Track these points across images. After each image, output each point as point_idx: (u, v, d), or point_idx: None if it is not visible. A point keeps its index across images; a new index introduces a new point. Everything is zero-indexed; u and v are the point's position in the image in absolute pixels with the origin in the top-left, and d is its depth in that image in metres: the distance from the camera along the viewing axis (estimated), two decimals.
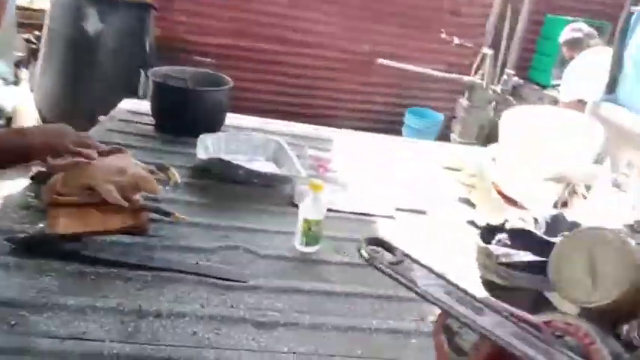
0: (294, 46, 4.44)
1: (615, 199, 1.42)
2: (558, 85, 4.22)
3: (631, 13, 2.27)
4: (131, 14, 3.62)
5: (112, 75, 3.59)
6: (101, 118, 1.95)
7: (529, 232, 1.15)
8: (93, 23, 3.33)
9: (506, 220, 1.20)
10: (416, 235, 1.47)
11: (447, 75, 3.39)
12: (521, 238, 1.16)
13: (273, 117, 2.32)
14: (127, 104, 2.15)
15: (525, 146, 1.85)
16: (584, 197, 1.53)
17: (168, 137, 1.85)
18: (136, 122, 1.96)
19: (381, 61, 3.23)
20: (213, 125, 1.95)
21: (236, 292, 1.06)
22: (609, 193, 1.52)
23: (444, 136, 4.59)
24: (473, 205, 1.71)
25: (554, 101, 4.35)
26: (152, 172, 1.34)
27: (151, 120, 1.98)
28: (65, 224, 1.15)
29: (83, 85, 3.49)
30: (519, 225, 1.17)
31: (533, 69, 4.75)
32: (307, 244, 1.26)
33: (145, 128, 1.92)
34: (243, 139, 1.79)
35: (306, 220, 1.24)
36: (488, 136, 3.67)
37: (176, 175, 1.31)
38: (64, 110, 3.52)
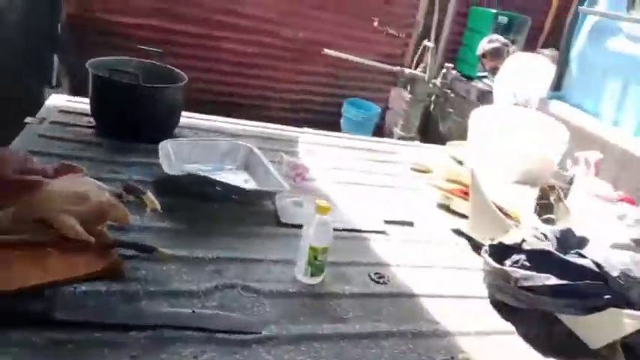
0: (227, 30, 4.13)
1: (602, 209, 1.43)
2: (484, 77, 4.39)
3: (578, 13, 2.34)
4: None
5: (19, 59, 3.08)
6: (29, 119, 1.63)
7: (548, 252, 1.11)
8: None
9: (524, 240, 1.14)
10: (409, 250, 1.39)
11: (390, 67, 3.35)
12: (539, 257, 1.12)
13: (204, 109, 2.09)
14: (56, 101, 1.83)
15: (495, 148, 1.84)
16: (564, 203, 1.54)
17: (115, 143, 1.58)
18: (73, 125, 1.66)
19: (326, 51, 3.09)
20: (168, 127, 1.72)
21: (251, 348, 0.89)
22: (589, 199, 1.54)
23: (379, 127, 4.60)
24: (452, 212, 1.67)
25: (481, 93, 4.52)
26: (119, 197, 1.12)
27: (89, 121, 1.69)
28: (20, 275, 0.90)
29: None
30: (538, 245, 1.12)
31: (460, 61, 4.88)
32: (312, 274, 1.12)
33: (84, 132, 1.64)
34: (208, 146, 1.58)
35: (312, 248, 1.09)
36: (423, 129, 3.71)
37: (155, 202, 1.09)
38: None
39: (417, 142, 3.49)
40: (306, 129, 2.21)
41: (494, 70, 3.56)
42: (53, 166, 1.13)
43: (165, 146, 1.46)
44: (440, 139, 3.89)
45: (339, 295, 1.11)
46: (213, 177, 1.40)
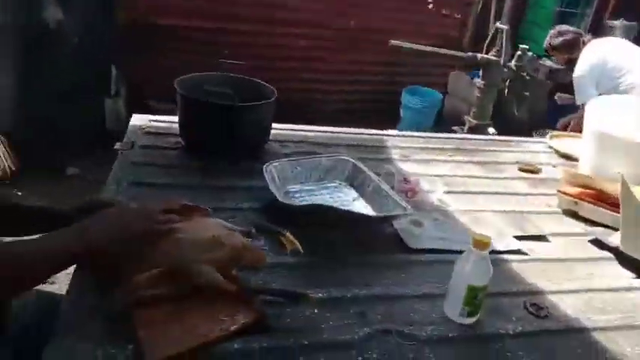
0: (277, 26, 4.00)
1: None
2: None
3: None
4: None
5: (79, 73, 3.06)
6: (118, 145, 1.55)
7: None
8: (52, 12, 2.78)
9: None
10: (554, 271, 1.23)
11: (462, 54, 3.14)
12: None
13: None
14: (139, 121, 1.74)
15: (620, 144, 1.63)
16: None
17: (209, 166, 1.49)
18: (162, 148, 1.57)
19: (392, 42, 2.92)
20: (261, 144, 1.61)
21: None
22: None
23: (439, 114, 4.39)
24: (581, 219, 1.50)
25: (549, 70, 4.23)
26: (248, 236, 1.01)
27: (177, 142, 1.60)
28: (171, 339, 0.81)
29: (47, 87, 2.95)
30: None
31: (524, 39, 4.58)
32: (470, 314, 0.99)
33: (175, 155, 1.55)
34: (310, 163, 1.46)
35: (471, 288, 0.96)
36: (495, 116, 3.50)
37: (296, 242, 0.97)
38: (28, 120, 2.98)
39: (493, 131, 3.33)
40: (390, 131, 2.06)
41: (568, 63, 3.31)
42: (175, 206, 1.04)
43: (270, 170, 1.36)
44: (515, 125, 3.67)
45: (503, 337, 0.98)
46: (329, 203, 1.30)
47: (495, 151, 1.96)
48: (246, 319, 0.88)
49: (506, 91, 3.19)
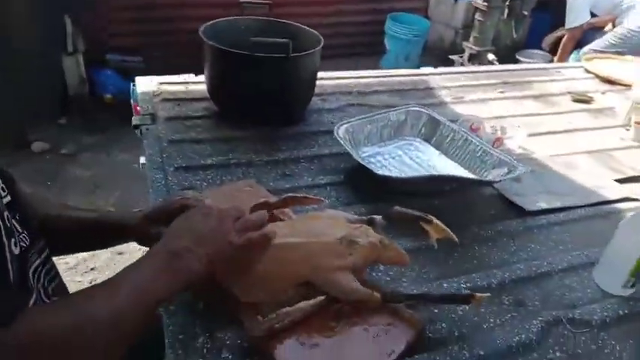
0: None
1: None
2: None
3: None
4: None
5: (30, 29, 2.60)
6: (136, 120, 1.27)
7: None
8: None
9: None
10: None
11: None
12: None
13: None
14: (144, 87, 1.43)
15: None
16: None
17: (254, 134, 1.25)
18: (192, 117, 1.31)
19: None
20: (308, 101, 1.38)
21: None
22: None
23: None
24: None
25: None
26: (371, 224, 0.81)
27: (204, 107, 1.35)
28: None
29: None
30: None
31: None
32: (633, 285, 0.87)
33: (211, 126, 1.29)
34: (380, 120, 1.25)
35: None
36: (497, 40, 3.32)
37: (447, 230, 0.78)
38: None
39: (493, 57, 3.16)
40: (424, 69, 1.85)
41: None
42: (272, 200, 0.83)
43: (343, 134, 1.14)
44: (511, 49, 3.51)
45: None
46: (410, 165, 1.12)
47: (542, 81, 1.80)
48: (407, 338, 0.71)
49: (506, 12, 3.00)
